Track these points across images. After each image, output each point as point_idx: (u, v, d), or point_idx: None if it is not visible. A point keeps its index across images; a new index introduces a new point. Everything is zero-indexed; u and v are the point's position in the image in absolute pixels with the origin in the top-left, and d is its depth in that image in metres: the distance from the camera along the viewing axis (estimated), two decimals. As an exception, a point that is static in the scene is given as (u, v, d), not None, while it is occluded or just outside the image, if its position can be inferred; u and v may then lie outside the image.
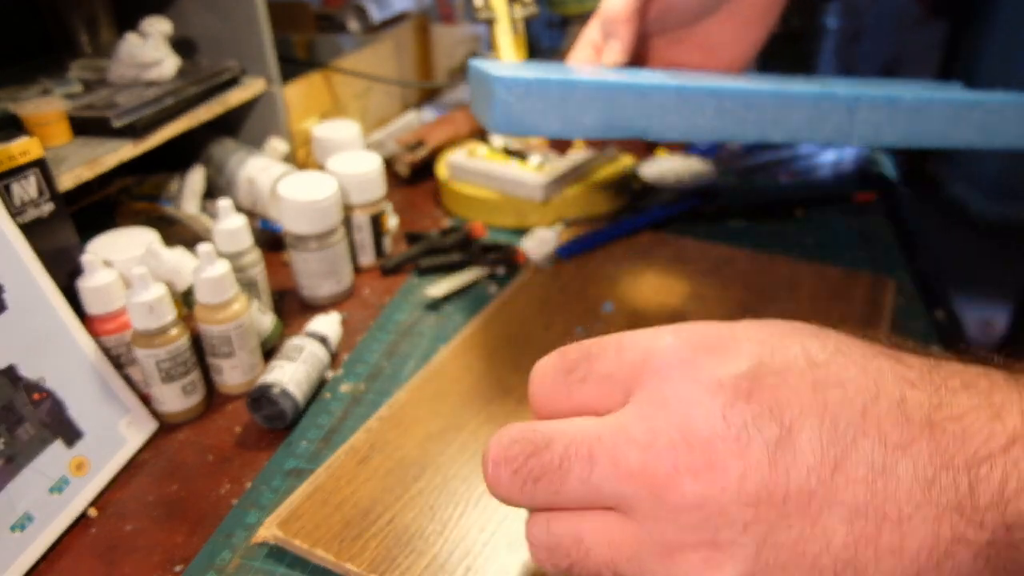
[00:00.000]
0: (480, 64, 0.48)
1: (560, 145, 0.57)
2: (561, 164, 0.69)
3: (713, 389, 0.24)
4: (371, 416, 0.45)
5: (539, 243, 0.62)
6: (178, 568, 0.37)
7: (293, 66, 0.77)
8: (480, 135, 0.78)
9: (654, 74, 0.49)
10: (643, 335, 0.28)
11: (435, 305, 0.58)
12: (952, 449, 0.22)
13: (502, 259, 0.61)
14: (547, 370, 0.29)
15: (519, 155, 0.71)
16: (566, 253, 0.62)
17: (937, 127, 0.47)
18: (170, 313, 0.44)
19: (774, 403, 0.24)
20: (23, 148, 0.44)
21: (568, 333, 0.52)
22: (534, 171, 0.68)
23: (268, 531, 0.38)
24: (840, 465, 0.23)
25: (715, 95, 0.44)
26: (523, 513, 0.29)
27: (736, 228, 0.68)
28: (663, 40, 0.53)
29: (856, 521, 0.23)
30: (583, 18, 1.17)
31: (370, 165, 0.61)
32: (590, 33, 0.54)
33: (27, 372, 0.41)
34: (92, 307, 0.45)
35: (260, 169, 0.65)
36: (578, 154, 0.71)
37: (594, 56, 0.53)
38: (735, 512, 0.23)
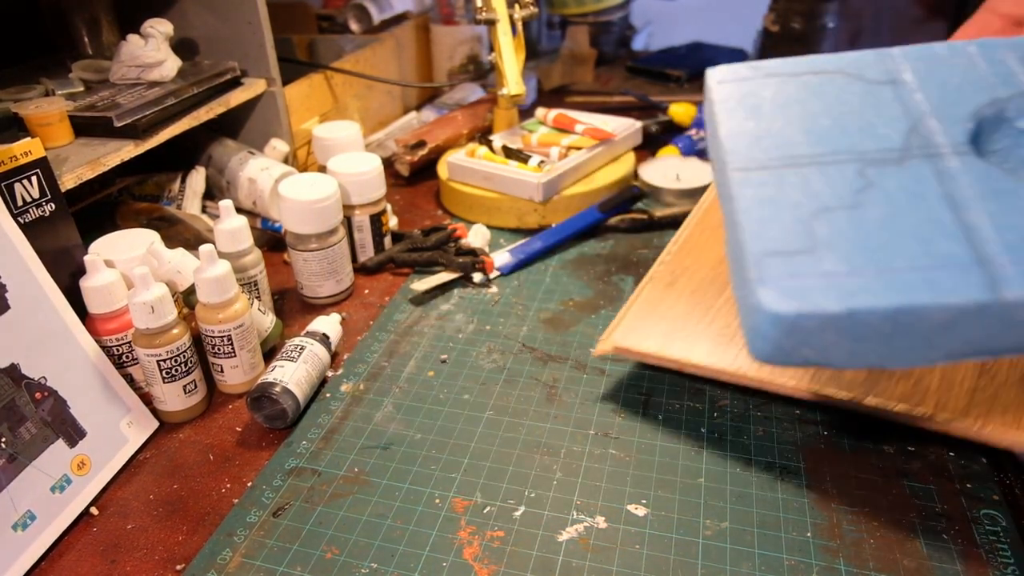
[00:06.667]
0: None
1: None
2: (561, 164, 0.69)
3: None
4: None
5: (477, 235, 0.67)
6: (179, 566, 0.37)
7: (294, 67, 0.77)
8: (480, 135, 0.78)
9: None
10: None
11: (419, 300, 0.59)
12: None
13: (472, 264, 0.61)
14: None
15: (519, 155, 0.71)
16: (507, 271, 0.63)
17: None
18: (171, 313, 0.45)
19: None
20: (25, 148, 0.44)
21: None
22: (534, 171, 0.68)
23: (606, 345, 0.45)
24: None
25: None
26: None
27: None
28: None
29: None
30: (583, 18, 1.17)
31: (370, 165, 0.61)
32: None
33: (29, 371, 0.41)
34: (94, 307, 0.45)
35: (261, 169, 0.66)
36: (578, 154, 0.71)
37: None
38: None
